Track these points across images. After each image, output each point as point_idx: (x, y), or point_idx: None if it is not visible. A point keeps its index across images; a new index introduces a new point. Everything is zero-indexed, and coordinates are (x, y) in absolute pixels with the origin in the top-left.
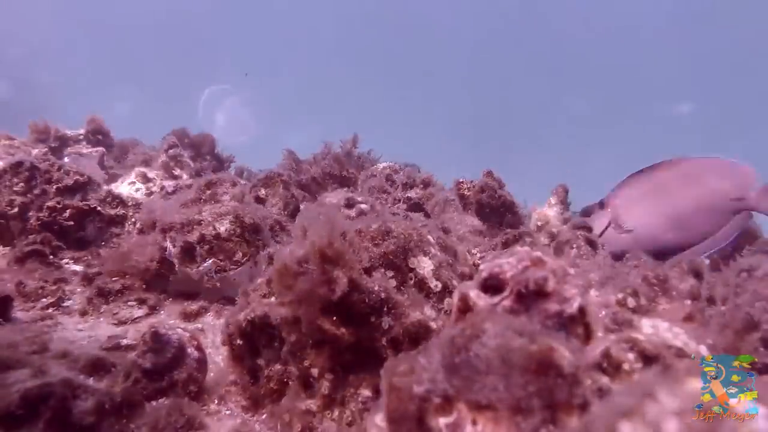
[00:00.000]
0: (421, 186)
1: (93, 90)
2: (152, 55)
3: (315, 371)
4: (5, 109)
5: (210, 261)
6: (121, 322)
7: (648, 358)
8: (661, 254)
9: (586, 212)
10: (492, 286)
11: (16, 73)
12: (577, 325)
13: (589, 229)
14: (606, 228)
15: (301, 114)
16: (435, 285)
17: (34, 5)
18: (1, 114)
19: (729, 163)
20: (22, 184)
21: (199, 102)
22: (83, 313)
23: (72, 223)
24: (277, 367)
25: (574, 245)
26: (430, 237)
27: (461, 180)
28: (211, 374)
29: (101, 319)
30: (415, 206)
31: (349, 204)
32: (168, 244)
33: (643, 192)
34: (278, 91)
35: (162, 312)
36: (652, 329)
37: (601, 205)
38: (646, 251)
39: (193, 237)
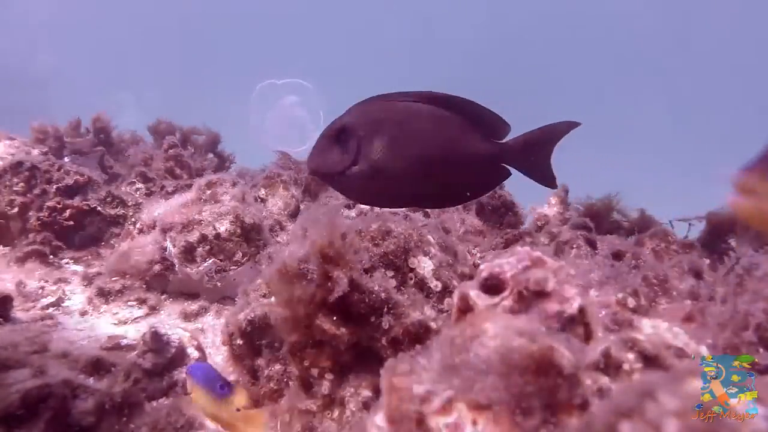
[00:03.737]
0: None
1: (95, 89)
2: (162, 53)
3: (315, 371)
4: (5, 108)
5: (210, 261)
6: (121, 322)
7: (648, 358)
8: (402, 201)
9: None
10: (492, 286)
11: (15, 72)
12: (577, 325)
13: (590, 229)
14: (349, 165)
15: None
16: (435, 285)
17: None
18: (0, 113)
19: (485, 109)
20: (22, 184)
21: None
22: (83, 313)
23: (72, 223)
24: (277, 367)
25: (574, 245)
26: (430, 237)
27: None
28: None
29: (101, 319)
30: None
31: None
32: (168, 244)
33: (385, 120)
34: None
35: (162, 312)
36: (652, 329)
37: (343, 132)
38: (390, 199)
39: (194, 237)
